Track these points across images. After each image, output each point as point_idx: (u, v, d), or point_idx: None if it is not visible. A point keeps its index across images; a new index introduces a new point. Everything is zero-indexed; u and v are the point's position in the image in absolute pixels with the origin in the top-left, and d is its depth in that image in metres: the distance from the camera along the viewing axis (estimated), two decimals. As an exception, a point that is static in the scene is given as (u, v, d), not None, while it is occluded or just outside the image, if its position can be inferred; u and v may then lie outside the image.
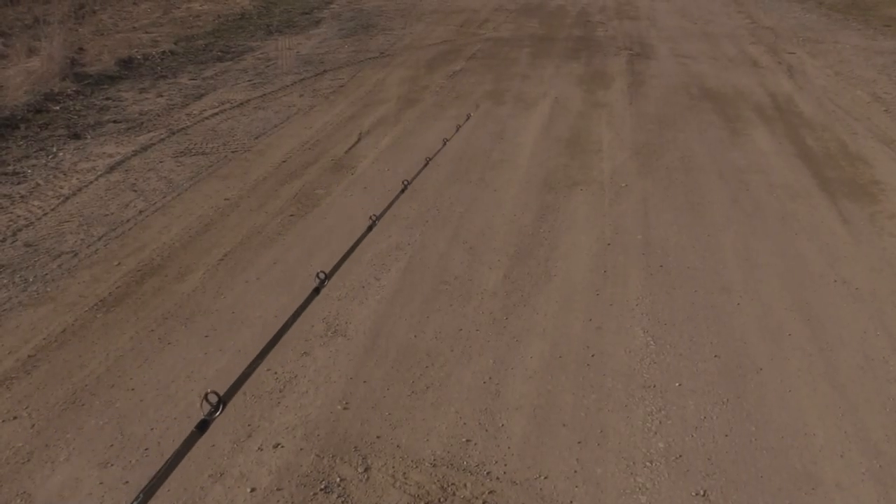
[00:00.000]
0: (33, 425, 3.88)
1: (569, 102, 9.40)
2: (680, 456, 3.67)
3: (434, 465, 3.60)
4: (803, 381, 4.22)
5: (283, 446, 3.72)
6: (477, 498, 3.42)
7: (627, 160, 7.42)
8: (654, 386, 4.17)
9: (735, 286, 5.16)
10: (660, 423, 3.90)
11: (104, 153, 7.68)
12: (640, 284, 5.18)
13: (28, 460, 3.65)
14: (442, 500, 3.41)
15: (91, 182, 6.97)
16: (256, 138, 8.18)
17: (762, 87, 10.15)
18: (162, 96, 9.77)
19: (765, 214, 6.23)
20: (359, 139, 8.12)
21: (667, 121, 8.66)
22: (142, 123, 8.68)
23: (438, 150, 6.69)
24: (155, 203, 6.52)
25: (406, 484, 3.49)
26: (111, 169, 7.27)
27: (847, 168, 7.25)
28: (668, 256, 5.54)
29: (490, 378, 4.23)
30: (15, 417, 3.94)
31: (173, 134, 8.30)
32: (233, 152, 7.75)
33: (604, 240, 5.80)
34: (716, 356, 4.43)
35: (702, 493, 3.46)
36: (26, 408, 4.01)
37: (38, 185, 6.91)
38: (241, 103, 9.43)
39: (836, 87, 10.13)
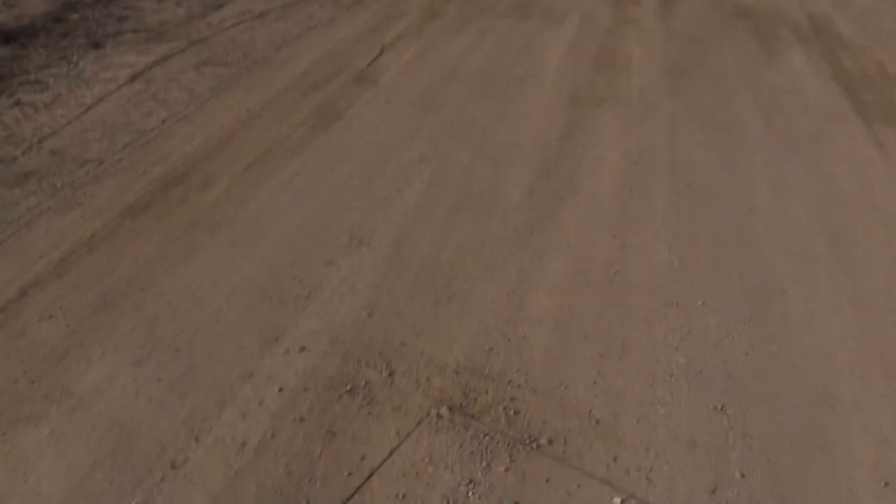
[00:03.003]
0: (68, 325, 3.98)
1: (597, 18, 9.10)
2: (700, 371, 3.71)
3: (457, 372, 3.67)
4: (828, 304, 4.20)
5: (309, 350, 3.80)
6: (498, 404, 3.49)
7: (657, 78, 7.23)
8: (677, 303, 4.18)
9: (763, 207, 5.09)
10: (681, 339, 3.92)
11: (125, 63, 7.59)
12: (666, 202, 5.12)
13: (64, 357, 3.76)
14: (464, 405, 3.48)
15: (113, 91, 6.92)
16: (277, 49, 8.04)
17: (800, 6, 9.75)
18: (181, 6, 9.57)
19: (797, 136, 6.09)
20: (381, 52, 7.96)
21: (699, 39, 8.39)
22: (161, 34, 8.54)
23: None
24: (177, 113, 6.48)
25: (429, 388, 3.56)
26: (132, 79, 7.20)
27: (885, 91, 7.02)
28: (695, 175, 5.46)
29: (513, 290, 4.26)
30: (50, 317, 4.04)
31: (193, 44, 8.17)
32: (254, 63, 7.64)
33: (630, 157, 5.71)
34: (740, 276, 4.41)
35: (720, 407, 3.50)
36: (60, 308, 4.10)
37: (61, 93, 6.87)
38: (261, 14, 9.22)
39: (877, 7, 9.71)
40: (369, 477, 3.13)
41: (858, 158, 5.75)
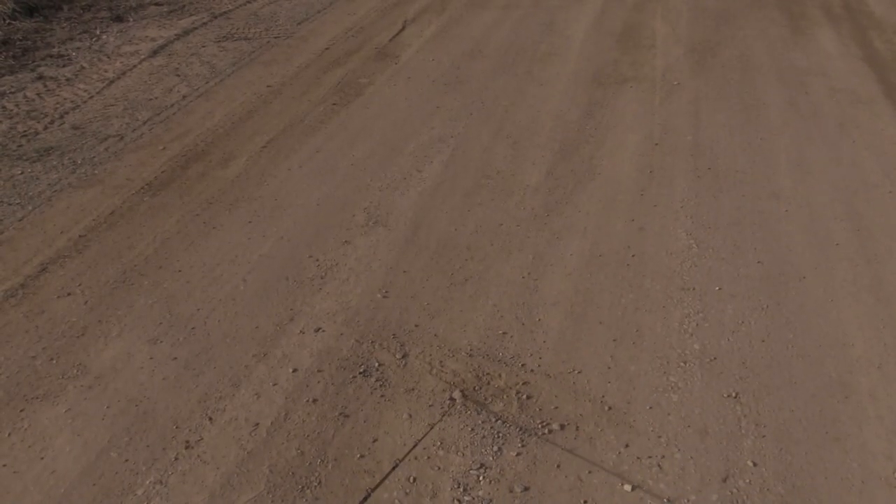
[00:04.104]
0: (86, 302, 4.04)
1: (623, -6, 8.96)
2: (715, 358, 3.69)
3: (470, 355, 3.68)
4: (847, 292, 4.15)
5: (323, 331, 3.83)
6: (511, 388, 3.50)
7: (682, 57, 7.12)
8: (694, 288, 4.15)
9: (785, 192, 5.01)
10: (697, 325, 3.89)
11: (147, 36, 7.61)
12: (687, 186, 5.07)
13: (83, 334, 3.82)
14: (477, 388, 3.50)
15: (135, 66, 6.95)
16: (299, 24, 8.01)
17: (832, -18, 9.52)
18: (203, -22, 9.55)
19: (823, 120, 5.97)
20: (403, 27, 7.90)
21: (726, 16, 8.23)
22: (183, 7, 8.54)
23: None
24: (198, 88, 6.50)
25: (442, 371, 3.58)
26: (154, 53, 7.23)
27: (916, 73, 6.86)
28: (717, 159, 5.39)
29: (529, 273, 4.25)
30: (69, 294, 4.10)
31: (215, 18, 8.16)
32: (275, 38, 7.62)
33: (652, 139, 5.65)
34: (759, 262, 4.36)
35: (734, 395, 3.48)
36: (79, 285, 4.17)
37: (83, 67, 6.91)
38: (284, -13, 9.18)
39: (912, -16, 9.44)
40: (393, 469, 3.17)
41: (885, 143, 5.63)
